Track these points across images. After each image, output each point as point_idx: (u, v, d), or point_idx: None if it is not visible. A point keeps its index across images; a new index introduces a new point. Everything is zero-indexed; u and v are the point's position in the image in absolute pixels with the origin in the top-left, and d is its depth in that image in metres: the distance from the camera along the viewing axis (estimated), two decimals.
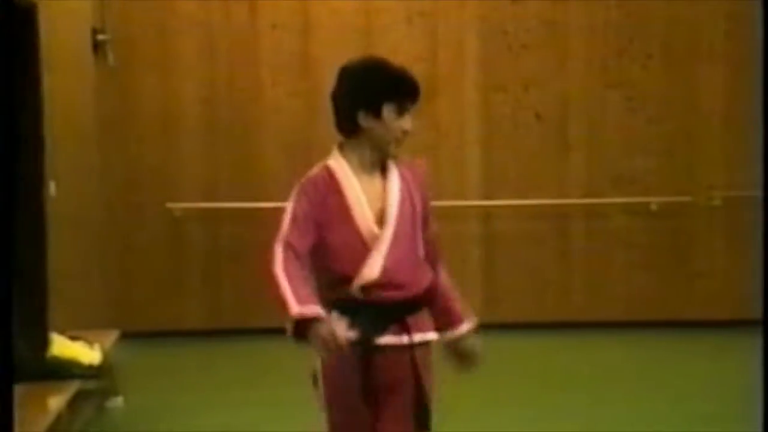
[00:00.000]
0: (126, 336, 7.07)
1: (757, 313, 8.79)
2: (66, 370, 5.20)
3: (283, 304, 3.29)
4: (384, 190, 3.37)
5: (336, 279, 3.35)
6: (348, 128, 3.45)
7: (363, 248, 3.31)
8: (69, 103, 7.07)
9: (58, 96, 6.50)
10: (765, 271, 4.19)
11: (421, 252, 3.40)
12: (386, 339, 3.32)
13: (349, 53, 9.17)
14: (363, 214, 3.34)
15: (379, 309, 3.30)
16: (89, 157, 7.85)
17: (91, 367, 5.35)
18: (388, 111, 3.35)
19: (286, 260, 3.33)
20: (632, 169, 8.77)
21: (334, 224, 3.34)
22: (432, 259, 3.44)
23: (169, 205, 8.53)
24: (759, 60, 7.64)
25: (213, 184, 8.66)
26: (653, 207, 8.70)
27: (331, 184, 3.39)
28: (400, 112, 3.36)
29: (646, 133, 8.77)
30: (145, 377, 7.09)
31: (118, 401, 6.18)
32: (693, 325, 8.69)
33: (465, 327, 3.48)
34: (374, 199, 3.36)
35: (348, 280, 3.32)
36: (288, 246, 3.34)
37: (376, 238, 3.31)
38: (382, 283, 3.30)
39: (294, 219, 3.39)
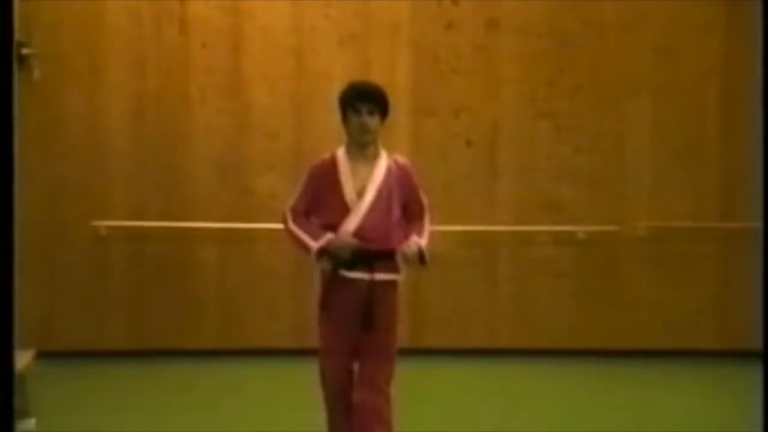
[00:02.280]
0: (45, 355, 6.92)
1: (682, 343, 8.93)
2: None
3: (304, 246, 4.85)
4: (370, 172, 4.87)
5: (325, 228, 4.84)
6: (345, 126, 4.94)
7: (345, 210, 4.82)
8: None
9: None
10: (765, 304, 4.32)
11: (395, 220, 4.88)
12: (353, 274, 4.82)
13: (280, 72, 9.27)
14: (348, 186, 4.84)
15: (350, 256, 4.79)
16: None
17: None
18: (349, 113, 4.90)
19: (294, 218, 4.91)
20: (560, 198, 8.83)
21: (328, 191, 4.84)
22: (412, 218, 4.98)
23: (95, 222, 8.39)
24: (759, 59, 7.76)
25: (140, 203, 8.54)
26: (580, 236, 8.77)
27: (331, 165, 4.90)
28: (355, 111, 4.86)
29: (574, 162, 8.84)
30: (63, 398, 6.94)
31: (30, 423, 6.02)
32: (618, 354, 8.75)
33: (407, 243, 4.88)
34: (360, 178, 4.86)
35: (333, 230, 4.82)
36: (294, 210, 4.92)
37: (355, 204, 4.81)
38: (356, 237, 4.79)
39: (301, 192, 4.94)
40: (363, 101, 4.84)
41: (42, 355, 6.79)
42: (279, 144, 8.64)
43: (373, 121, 4.85)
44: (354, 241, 4.75)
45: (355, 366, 4.88)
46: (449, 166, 8.75)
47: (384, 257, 4.81)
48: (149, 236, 8.52)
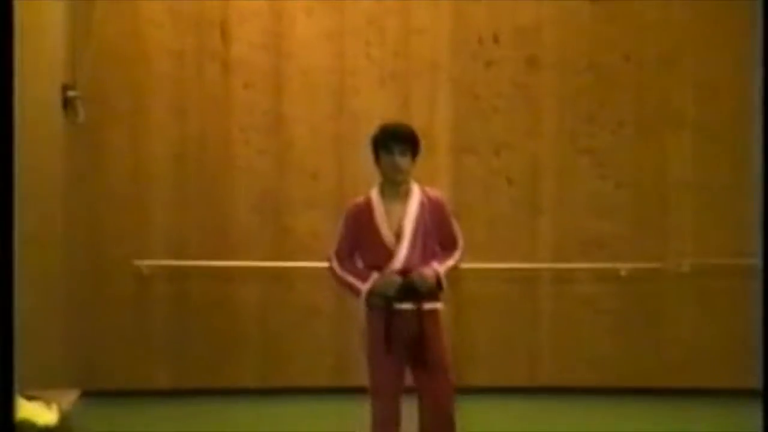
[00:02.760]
0: (89, 395, 6.95)
1: (725, 381, 8.83)
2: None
3: (353, 289, 5.03)
4: (404, 211, 5.04)
5: (370, 269, 5.04)
6: (377, 166, 5.15)
7: (386, 251, 5.00)
8: (37, 157, 7.01)
9: (26, 150, 6.44)
10: (765, 341, 4.27)
11: (434, 253, 5.07)
12: (401, 306, 5.00)
13: (321, 113, 9.34)
14: (384, 228, 5.01)
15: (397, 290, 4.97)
16: (55, 213, 7.78)
17: (47, 428, 5.23)
18: (381, 153, 5.10)
19: (340, 264, 5.09)
20: (601, 235, 8.79)
21: (366, 234, 5.04)
22: (447, 249, 5.13)
23: (137, 262, 8.46)
24: (759, 61, 7.73)
25: (182, 242, 8.60)
26: (622, 273, 8.71)
27: (366, 208, 5.09)
28: (388, 151, 5.05)
29: (615, 198, 8.81)
30: None
31: None
32: (661, 392, 8.67)
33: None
34: (395, 217, 5.03)
35: (378, 270, 5.02)
36: (338, 255, 5.10)
37: (394, 246, 4.98)
38: (400, 273, 4.98)
39: (341, 237, 5.12)
40: (395, 142, 5.04)
41: (86, 395, 6.83)
42: (319, 183, 8.68)
43: (405, 161, 5.04)
44: (398, 277, 4.93)
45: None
46: (491, 203, 8.75)
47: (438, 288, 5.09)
48: (191, 275, 8.58)
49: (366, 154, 8.60)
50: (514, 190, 8.79)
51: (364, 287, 4.96)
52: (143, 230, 8.55)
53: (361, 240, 5.05)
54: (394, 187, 5.07)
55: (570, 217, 8.79)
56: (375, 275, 4.96)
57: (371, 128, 8.61)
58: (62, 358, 7.86)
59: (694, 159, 8.85)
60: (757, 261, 8.76)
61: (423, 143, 5.18)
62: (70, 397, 6.36)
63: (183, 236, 8.59)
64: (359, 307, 5.13)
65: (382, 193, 5.09)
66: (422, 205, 5.06)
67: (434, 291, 5.06)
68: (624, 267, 8.71)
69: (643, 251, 8.77)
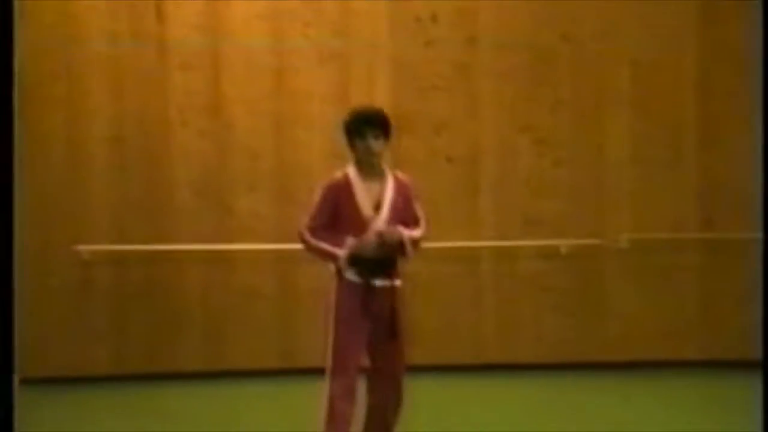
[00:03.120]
0: (28, 382, 6.89)
1: (665, 354, 8.96)
2: None
3: (330, 256, 5.12)
4: (381, 189, 5.21)
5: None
6: (351, 150, 5.25)
7: (363, 225, 5.12)
8: None
9: None
10: (765, 314, 4.37)
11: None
12: (379, 282, 5.14)
13: (260, 93, 9.26)
14: (364, 203, 5.15)
15: (374, 262, 5.12)
16: None
17: None
18: (355, 139, 5.21)
19: (313, 234, 5.16)
20: (541, 212, 8.86)
21: (344, 208, 5.14)
22: (414, 223, 5.33)
23: (78, 247, 8.37)
24: (759, 61, 7.83)
25: (122, 226, 8.52)
26: (563, 250, 8.79)
27: (345, 183, 5.18)
28: (362, 137, 5.18)
29: (554, 176, 8.88)
30: (48, 424, 6.90)
31: None
32: (603, 366, 8.78)
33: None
34: (372, 195, 5.19)
35: None
36: (310, 228, 5.18)
37: (372, 219, 5.13)
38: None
39: (317, 210, 5.18)
40: (368, 126, 5.17)
41: (26, 382, 6.76)
42: (260, 164, 8.64)
43: (378, 144, 5.19)
44: (374, 237, 5.08)
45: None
46: (431, 183, 8.77)
47: (401, 251, 5.21)
48: (132, 259, 8.50)
49: (306, 133, 8.64)
50: (454, 169, 8.83)
51: (342, 252, 5.07)
52: (83, 215, 8.45)
53: (338, 215, 5.15)
54: (369, 168, 5.22)
55: (510, 196, 8.85)
56: (350, 240, 5.08)
57: (311, 108, 8.67)
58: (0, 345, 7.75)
59: (631, 136, 8.95)
60: (698, 235, 8.90)
61: (394, 124, 5.25)
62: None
63: (123, 220, 8.51)
64: (329, 283, 5.19)
65: (359, 172, 5.21)
66: (396, 184, 5.27)
67: (401, 249, 5.17)
68: (564, 244, 8.80)
69: (582, 228, 8.86)
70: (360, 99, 8.52)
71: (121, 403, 7.74)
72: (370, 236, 5.10)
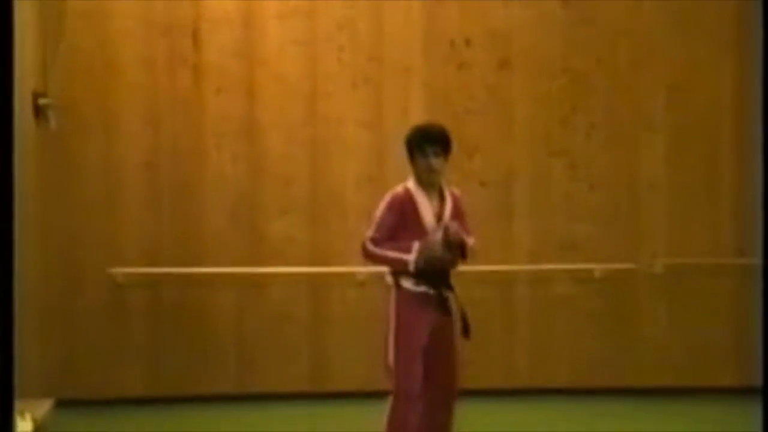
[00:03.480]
0: (63, 404, 6.93)
1: (699, 380, 8.86)
2: None
3: (398, 261, 5.24)
4: (440, 203, 5.38)
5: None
6: (412, 165, 5.40)
7: (425, 235, 5.26)
8: None
9: None
10: (765, 337, 4.36)
11: None
12: (445, 291, 5.39)
13: (294, 118, 9.32)
14: (427, 215, 5.30)
15: (435, 272, 5.29)
16: (26, 221, 7.73)
17: None
18: (417, 155, 5.36)
19: (377, 245, 5.27)
20: (576, 237, 8.82)
21: (408, 221, 5.27)
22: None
23: (111, 270, 8.42)
24: (759, 61, 7.78)
25: (156, 250, 8.56)
26: (597, 274, 8.75)
27: (407, 197, 5.33)
28: (422, 153, 5.32)
29: (589, 200, 8.85)
30: None
31: None
32: (636, 392, 8.70)
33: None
34: (433, 208, 5.34)
35: None
36: (374, 239, 5.30)
37: (434, 228, 5.26)
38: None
39: (381, 222, 5.31)
40: (428, 143, 5.33)
41: (61, 404, 6.80)
42: (293, 189, 8.67)
43: (438, 162, 5.35)
44: (440, 233, 5.21)
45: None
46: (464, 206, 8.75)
47: (461, 253, 5.34)
48: (165, 283, 8.54)
49: (340, 158, 8.65)
50: (487, 192, 8.81)
51: (411, 256, 5.19)
52: (117, 238, 8.51)
53: (401, 227, 5.27)
54: (428, 184, 5.37)
55: (544, 220, 8.82)
56: (416, 244, 5.19)
57: (344, 132, 8.69)
58: (37, 367, 7.81)
59: (666, 160, 8.91)
60: (733, 260, 8.83)
61: (454, 142, 5.44)
62: (45, 406, 6.34)
63: (157, 243, 8.56)
64: (387, 296, 5.34)
65: (419, 185, 5.36)
66: (453, 198, 5.48)
67: (461, 250, 5.29)
68: (598, 268, 8.75)
69: (616, 252, 8.81)
70: (393, 123, 8.55)
71: (153, 424, 7.77)
72: (436, 235, 5.19)
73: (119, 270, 8.44)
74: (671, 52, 8.90)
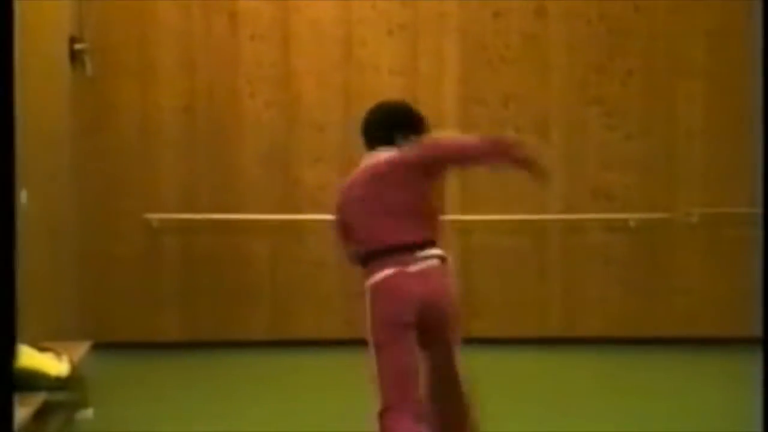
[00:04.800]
0: (99, 347, 7.02)
1: (733, 330, 8.82)
2: (32, 382, 5.12)
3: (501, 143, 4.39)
4: None
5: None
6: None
7: None
8: (44, 111, 7.02)
9: (33, 104, 6.45)
10: (765, 287, 4.24)
11: None
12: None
13: (329, 64, 9.27)
14: None
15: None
16: (64, 166, 7.80)
17: (58, 379, 5.28)
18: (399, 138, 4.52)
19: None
20: (611, 185, 8.77)
21: None
22: None
23: (147, 215, 8.48)
24: (759, 61, 7.70)
25: (191, 195, 8.61)
26: (632, 223, 8.70)
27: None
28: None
29: (624, 149, 8.78)
30: (118, 389, 7.04)
31: (87, 413, 6.11)
32: (670, 341, 8.69)
33: None
34: None
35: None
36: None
37: None
38: None
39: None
40: (398, 129, 4.56)
41: (97, 347, 6.89)
42: (327, 136, 8.66)
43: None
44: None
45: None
46: None
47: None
48: (200, 228, 8.60)
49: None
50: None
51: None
52: (153, 184, 8.56)
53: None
54: None
55: (579, 169, 8.77)
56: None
57: (378, 79, 8.65)
58: (74, 311, 7.92)
59: (704, 108, 8.81)
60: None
61: (423, 120, 4.60)
62: (82, 348, 6.42)
63: (192, 189, 8.61)
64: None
65: None
66: None
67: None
68: (633, 217, 8.70)
69: (652, 201, 8.75)
70: (428, 71, 8.52)
71: (187, 368, 7.86)
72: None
73: (155, 215, 8.50)
74: None
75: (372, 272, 4.31)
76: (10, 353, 2.86)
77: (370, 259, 4.34)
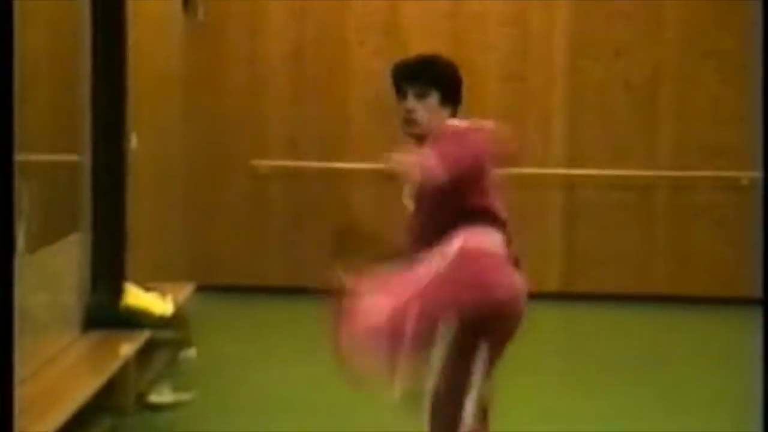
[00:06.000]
0: (205, 289, 7.16)
1: None
2: (137, 320, 5.27)
3: None
4: None
5: None
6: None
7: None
8: (156, 56, 7.13)
9: (145, 49, 6.56)
10: (765, 256, 4.12)
11: None
12: None
13: (437, 13, 9.18)
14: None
15: None
16: (174, 111, 7.93)
17: (162, 318, 5.42)
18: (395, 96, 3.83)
19: None
20: (723, 142, 8.55)
21: None
22: None
23: (254, 162, 8.59)
24: (759, 60, 7.48)
25: (298, 143, 8.68)
26: (744, 181, 8.49)
27: None
28: (401, 94, 3.78)
29: (739, 105, 8.54)
30: (221, 330, 7.19)
31: (191, 352, 6.26)
32: None
33: None
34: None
35: None
36: None
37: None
38: None
39: None
40: (406, 81, 3.79)
41: (201, 289, 7.03)
42: None
43: (423, 107, 3.74)
44: None
45: None
46: (607, 108, 8.57)
47: None
48: (307, 176, 8.66)
49: (481, 55, 8.55)
50: (632, 95, 8.59)
51: None
52: (260, 130, 8.65)
53: None
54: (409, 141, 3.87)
55: (691, 124, 8.57)
56: None
57: (488, 29, 8.56)
58: (179, 253, 8.08)
59: None
60: None
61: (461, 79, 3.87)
62: (187, 289, 6.57)
63: (299, 137, 8.67)
64: None
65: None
66: None
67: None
68: (746, 176, 8.48)
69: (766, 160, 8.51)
70: (538, 22, 8.40)
71: (291, 312, 7.97)
72: None
73: (262, 162, 8.59)
74: None
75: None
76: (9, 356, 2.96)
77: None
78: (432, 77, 3.77)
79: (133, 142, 6.20)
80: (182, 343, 6.06)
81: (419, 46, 8.58)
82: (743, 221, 8.60)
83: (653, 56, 8.58)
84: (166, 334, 5.53)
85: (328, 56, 8.63)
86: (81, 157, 5.42)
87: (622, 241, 8.65)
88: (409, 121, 3.75)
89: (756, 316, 8.20)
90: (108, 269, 5.56)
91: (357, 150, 8.67)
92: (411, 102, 3.73)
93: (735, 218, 8.61)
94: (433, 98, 3.75)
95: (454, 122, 3.77)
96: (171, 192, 7.79)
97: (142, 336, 5.21)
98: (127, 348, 4.89)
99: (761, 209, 4.89)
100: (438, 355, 3.52)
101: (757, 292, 8.53)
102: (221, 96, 8.61)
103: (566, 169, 8.49)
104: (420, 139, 3.75)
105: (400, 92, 3.79)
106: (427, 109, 3.74)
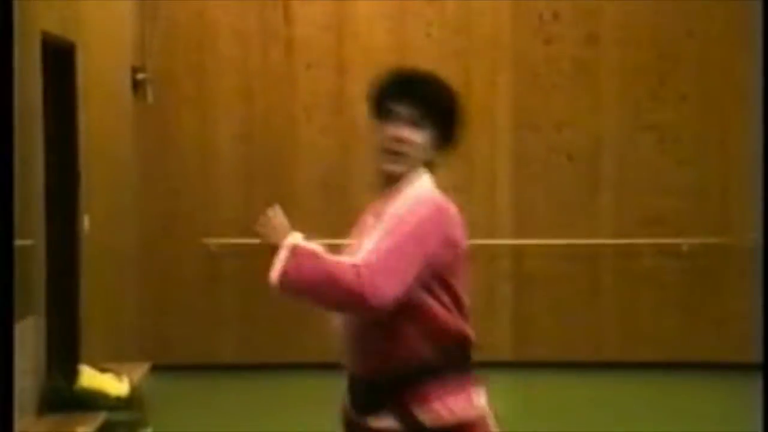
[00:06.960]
0: (159, 369, 7.18)
1: None
2: (93, 402, 5.28)
3: None
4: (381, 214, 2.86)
5: None
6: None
7: None
8: (107, 138, 7.23)
9: (96, 132, 6.66)
10: (765, 312, 4.25)
11: None
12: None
13: None
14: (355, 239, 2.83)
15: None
16: (125, 192, 8.01)
17: (118, 398, 5.44)
18: (375, 117, 2.97)
19: None
20: (663, 210, 8.77)
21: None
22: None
23: (206, 240, 8.65)
24: (759, 60, 7.71)
25: (249, 220, 8.74)
26: (684, 248, 8.70)
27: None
28: (384, 116, 2.94)
29: (678, 174, 8.78)
30: (178, 409, 7.18)
31: None
32: (725, 367, 8.64)
33: None
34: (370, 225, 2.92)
35: None
36: None
37: None
38: None
39: None
40: (397, 98, 3.01)
41: (156, 368, 7.04)
42: None
43: (416, 137, 2.93)
44: None
45: None
46: (551, 180, 8.78)
47: None
48: (258, 253, 8.70)
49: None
50: (574, 166, 8.81)
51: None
52: (211, 209, 8.74)
53: None
54: (381, 177, 3.10)
55: (631, 194, 8.79)
56: None
57: None
58: (135, 333, 8.10)
59: (757, 133, 8.78)
60: None
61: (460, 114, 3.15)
62: (141, 369, 6.59)
63: (250, 215, 8.71)
64: None
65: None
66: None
67: None
68: (686, 242, 8.69)
69: (705, 227, 8.74)
70: (482, 97, 8.61)
71: (244, 390, 7.99)
72: None
73: (213, 240, 8.66)
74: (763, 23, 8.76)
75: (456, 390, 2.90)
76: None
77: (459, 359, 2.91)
78: (433, 100, 2.95)
79: (86, 224, 6.26)
80: (138, 424, 6.07)
81: (366, 123, 8.78)
82: (685, 287, 8.80)
83: (593, 128, 8.82)
84: (122, 415, 5.54)
85: (276, 135, 8.77)
86: (35, 241, 5.48)
87: (570, 308, 8.80)
88: (392, 153, 2.88)
89: (702, 379, 8.37)
90: (63, 352, 5.59)
91: (305, 227, 8.73)
92: (401, 129, 2.88)
93: (678, 284, 8.80)
94: (429, 131, 2.92)
95: (426, 186, 2.93)
96: (124, 272, 7.83)
97: (99, 418, 5.22)
98: (84, 431, 4.90)
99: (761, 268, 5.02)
100: None
101: (703, 355, 8.73)
102: (172, 176, 8.70)
103: (513, 239, 8.65)
104: (391, 181, 2.88)
105: (383, 113, 2.95)
106: (420, 141, 2.91)
